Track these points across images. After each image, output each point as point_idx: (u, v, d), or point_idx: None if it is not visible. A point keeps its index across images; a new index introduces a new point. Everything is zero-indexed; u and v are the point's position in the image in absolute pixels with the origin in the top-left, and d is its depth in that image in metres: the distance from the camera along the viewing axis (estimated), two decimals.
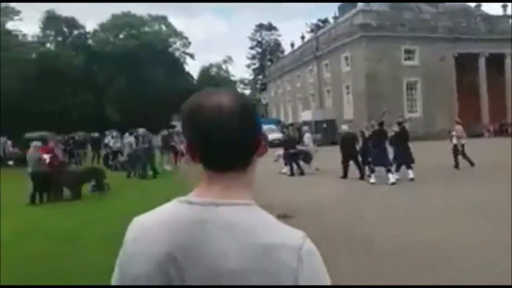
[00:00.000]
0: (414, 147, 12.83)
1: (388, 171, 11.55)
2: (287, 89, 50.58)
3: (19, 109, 46.04)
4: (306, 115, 34.30)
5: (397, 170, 11.95)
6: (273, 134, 32.33)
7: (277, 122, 40.20)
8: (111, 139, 20.21)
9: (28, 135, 35.05)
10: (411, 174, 11.78)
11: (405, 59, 32.33)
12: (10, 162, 20.77)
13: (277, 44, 72.37)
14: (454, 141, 13.92)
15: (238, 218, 0.85)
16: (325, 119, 31.64)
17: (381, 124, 12.40)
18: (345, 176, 12.92)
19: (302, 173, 14.59)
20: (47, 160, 10.76)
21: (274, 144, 30.35)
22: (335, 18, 40.37)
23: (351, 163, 12.94)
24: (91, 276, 5.06)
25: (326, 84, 39.11)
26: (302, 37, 49.05)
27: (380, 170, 11.82)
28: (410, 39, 31.91)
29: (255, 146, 0.92)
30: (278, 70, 53.72)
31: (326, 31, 40.02)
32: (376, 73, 31.20)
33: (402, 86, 32.33)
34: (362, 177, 12.57)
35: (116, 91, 52.48)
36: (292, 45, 48.86)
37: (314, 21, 64.03)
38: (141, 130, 16.87)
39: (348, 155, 12.97)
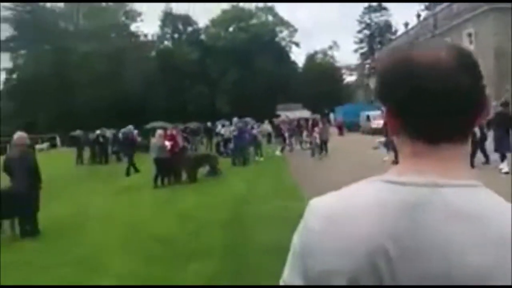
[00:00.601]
0: None
1: (503, 158, 10.14)
2: None
3: (141, 103, 51.19)
4: None
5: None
6: (380, 120, 30.60)
7: None
8: (221, 128, 21.23)
9: (149, 125, 38.73)
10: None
11: None
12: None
13: (388, 26, 68.27)
14: None
15: (468, 203, 0.65)
16: None
17: (504, 104, 10.61)
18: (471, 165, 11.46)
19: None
20: (168, 147, 11.64)
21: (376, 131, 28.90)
22: None
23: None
24: (214, 257, 5.26)
25: None
26: (418, 16, 45.42)
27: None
28: None
29: (481, 109, 0.71)
30: None
31: (445, 7, 36.21)
32: (506, 50, 27.35)
33: None
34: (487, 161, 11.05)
35: (228, 83, 55.07)
36: (406, 24, 45.41)
37: None
38: (248, 119, 17.65)
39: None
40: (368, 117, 29.06)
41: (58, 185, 12.10)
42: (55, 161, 21.64)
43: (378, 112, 32.24)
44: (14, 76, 57.87)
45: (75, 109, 51.84)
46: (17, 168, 6.63)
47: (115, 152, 20.97)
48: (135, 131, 27.45)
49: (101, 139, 20.60)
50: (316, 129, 17.48)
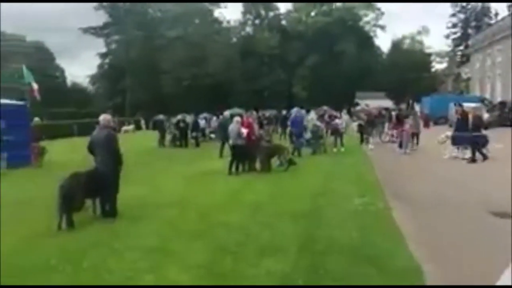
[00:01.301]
0: None
1: None
2: (497, 60, 42.64)
3: (220, 89, 52.34)
4: None
5: None
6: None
7: (481, 100, 34.46)
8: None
9: (228, 112, 39.29)
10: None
11: None
12: (213, 135, 23.57)
13: (486, 8, 61.78)
14: None
15: None
16: None
17: None
18: None
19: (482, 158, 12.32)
20: (244, 134, 11.48)
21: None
22: None
23: None
24: (285, 252, 4.92)
25: None
26: None
27: None
28: None
29: None
30: (487, 39, 45.70)
31: None
32: None
33: None
34: None
35: (307, 69, 54.03)
36: (510, 6, 40.56)
37: None
38: (325, 108, 16.96)
39: None
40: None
41: (139, 166, 12.65)
42: (139, 142, 22.92)
43: (472, 105, 29.56)
44: (107, 60, 62.20)
45: (159, 93, 54.60)
46: (101, 149, 6.83)
47: (194, 137, 21.55)
48: (214, 118, 28.26)
49: (181, 124, 21.27)
50: (409, 120, 16.56)
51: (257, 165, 11.74)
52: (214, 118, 26.01)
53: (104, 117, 7.10)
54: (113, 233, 5.97)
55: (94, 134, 7.10)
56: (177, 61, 52.21)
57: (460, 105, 14.30)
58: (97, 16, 56.81)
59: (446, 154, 13.43)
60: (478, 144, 12.43)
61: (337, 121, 17.43)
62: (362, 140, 19.37)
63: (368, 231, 5.74)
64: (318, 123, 16.70)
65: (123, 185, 7.14)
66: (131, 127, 39.23)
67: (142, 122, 43.45)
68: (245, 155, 11.62)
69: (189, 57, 51.93)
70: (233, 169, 11.37)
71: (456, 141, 13.37)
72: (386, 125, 21.23)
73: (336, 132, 16.63)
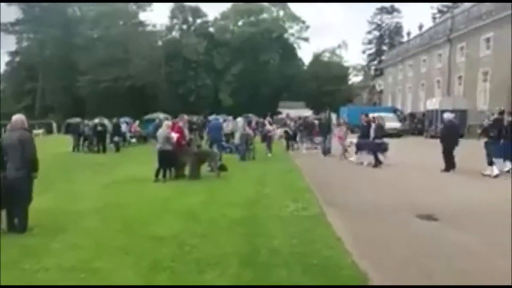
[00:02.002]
0: None
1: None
2: (408, 75, 46.55)
3: (143, 92, 50.51)
4: (432, 104, 30.94)
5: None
6: (391, 123, 29.99)
7: (393, 111, 37.28)
8: (223, 123, 20.42)
9: (148, 116, 38.05)
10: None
11: None
12: (133, 140, 22.40)
13: (398, 28, 67.34)
14: None
15: None
16: (454, 108, 28.04)
17: (502, 113, 11.40)
18: (446, 169, 11.77)
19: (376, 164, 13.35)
20: (174, 139, 10.90)
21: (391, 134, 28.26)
22: None
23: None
24: (225, 265, 4.55)
25: (457, 70, 34.81)
26: (434, 18, 44.55)
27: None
28: None
29: None
30: (400, 55, 49.72)
31: (465, 10, 35.10)
32: None
33: None
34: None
35: (232, 77, 54.22)
36: (421, 27, 44.44)
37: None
38: (250, 115, 17.25)
39: (448, 145, 11.87)
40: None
41: (53, 173, 11.46)
42: (51, 147, 21.06)
43: (385, 115, 31.72)
44: (17, 59, 57.12)
45: (75, 95, 51.23)
46: (13, 153, 5.92)
47: (115, 142, 20.27)
48: (137, 122, 27.08)
49: (99, 128, 19.90)
50: (338, 129, 17.26)
51: (186, 171, 11.21)
52: (137, 122, 24.94)
53: (17, 117, 6.20)
54: (24, 251, 5.12)
55: (5, 136, 6.16)
56: (97, 61, 49.30)
57: (366, 115, 15.24)
58: (8, 12, 51.86)
59: (353, 159, 14.33)
60: (379, 151, 13.37)
61: (268, 127, 17.56)
62: (288, 147, 19.88)
63: (308, 238, 5.58)
64: (247, 130, 16.66)
65: (36, 195, 6.26)
66: (41, 131, 36.14)
67: (54, 126, 40.29)
68: (173, 161, 11.02)
69: (110, 58, 49.34)
70: (160, 175, 10.72)
71: (359, 147, 14.31)
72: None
73: (267, 139, 16.78)
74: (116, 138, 20.33)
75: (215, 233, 5.88)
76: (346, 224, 6.38)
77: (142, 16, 58.18)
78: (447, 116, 12.92)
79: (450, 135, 12.13)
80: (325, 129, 17.59)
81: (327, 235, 5.76)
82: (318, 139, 18.29)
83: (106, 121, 21.23)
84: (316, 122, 20.77)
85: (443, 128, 13.25)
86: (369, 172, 12.51)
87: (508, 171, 11.01)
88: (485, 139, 11.58)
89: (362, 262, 4.66)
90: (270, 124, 19.98)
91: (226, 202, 7.99)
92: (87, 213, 7.13)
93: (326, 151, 17.01)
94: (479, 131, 15.17)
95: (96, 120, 20.90)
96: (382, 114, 29.66)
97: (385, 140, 13.93)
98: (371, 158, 13.50)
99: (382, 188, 9.75)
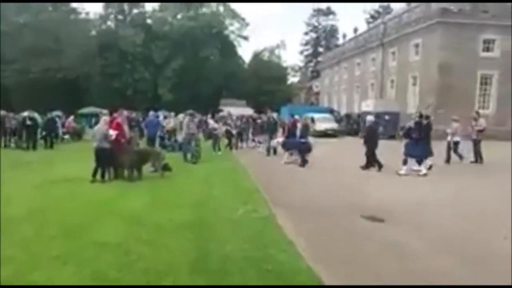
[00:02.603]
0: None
1: (419, 162, 11.90)
2: (343, 77, 48.43)
3: (75, 84, 47.57)
4: (366, 105, 32.44)
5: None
6: (328, 123, 31.02)
7: (330, 111, 38.60)
8: (164, 120, 19.65)
9: (83, 110, 35.84)
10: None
11: (483, 50, 29.40)
12: (67, 136, 21.04)
13: (334, 30, 69.90)
14: (449, 138, 14.42)
15: None
16: (387, 111, 29.67)
17: (421, 116, 12.41)
18: (366, 166, 12.71)
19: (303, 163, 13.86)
20: (113, 136, 10.26)
21: (328, 134, 29.30)
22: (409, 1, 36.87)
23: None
24: (176, 274, 4.32)
25: (389, 74, 36.82)
26: (368, 23, 46.65)
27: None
28: (492, 27, 28.86)
29: None
30: (335, 57, 51.54)
31: (396, 16, 37.12)
32: (450, 64, 28.64)
33: (476, 79, 29.55)
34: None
35: (171, 71, 52.79)
36: (356, 30, 46.35)
37: (375, 7, 61.06)
38: (190, 111, 16.90)
39: (370, 147, 12.72)
40: (312, 120, 29.05)
41: None
42: None
43: (323, 115, 32.78)
44: None
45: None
46: None
47: (48, 138, 18.84)
48: (71, 117, 25.48)
49: (28, 122, 18.29)
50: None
51: (125, 171, 10.61)
52: (72, 117, 23.43)
53: None
54: None
55: None
56: (25, 50, 45.48)
57: (292, 115, 15.67)
58: None
59: (283, 160, 14.43)
60: (304, 150, 13.82)
61: (214, 125, 17.25)
62: (230, 146, 19.55)
63: (261, 242, 5.49)
64: (193, 128, 16.07)
65: None
66: None
67: None
68: (112, 160, 10.38)
69: (39, 47, 45.76)
70: (98, 175, 10.08)
71: (286, 146, 14.66)
72: (250, 131, 21.81)
73: (213, 137, 16.49)
74: (52, 134, 18.97)
75: (163, 239, 5.59)
76: (295, 226, 6.39)
77: (74, 3, 54.80)
78: (369, 119, 13.66)
79: (372, 137, 12.86)
80: (271, 128, 17.63)
81: (279, 238, 5.72)
82: (262, 138, 18.32)
83: (36, 115, 19.63)
84: (259, 121, 20.82)
85: (365, 131, 13.95)
86: (303, 172, 12.78)
87: (429, 168, 12.33)
88: (406, 141, 12.48)
89: (316, 266, 4.67)
90: (216, 122, 19.65)
91: (172, 204, 7.68)
92: (18, 219, 6.47)
93: (272, 151, 17.04)
94: (401, 133, 16.64)
95: (25, 114, 19.16)
96: (316, 115, 31.04)
97: (321, 140, 14.44)
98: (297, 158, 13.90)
99: (321, 187, 10.00)
